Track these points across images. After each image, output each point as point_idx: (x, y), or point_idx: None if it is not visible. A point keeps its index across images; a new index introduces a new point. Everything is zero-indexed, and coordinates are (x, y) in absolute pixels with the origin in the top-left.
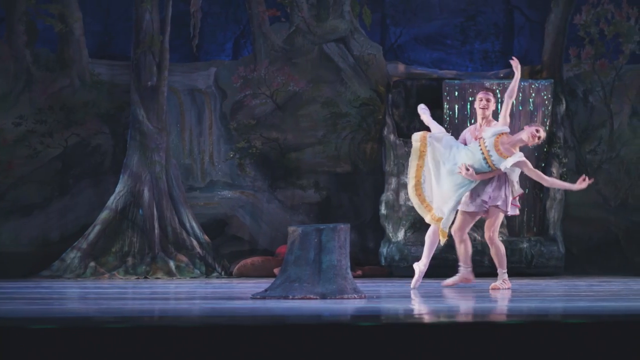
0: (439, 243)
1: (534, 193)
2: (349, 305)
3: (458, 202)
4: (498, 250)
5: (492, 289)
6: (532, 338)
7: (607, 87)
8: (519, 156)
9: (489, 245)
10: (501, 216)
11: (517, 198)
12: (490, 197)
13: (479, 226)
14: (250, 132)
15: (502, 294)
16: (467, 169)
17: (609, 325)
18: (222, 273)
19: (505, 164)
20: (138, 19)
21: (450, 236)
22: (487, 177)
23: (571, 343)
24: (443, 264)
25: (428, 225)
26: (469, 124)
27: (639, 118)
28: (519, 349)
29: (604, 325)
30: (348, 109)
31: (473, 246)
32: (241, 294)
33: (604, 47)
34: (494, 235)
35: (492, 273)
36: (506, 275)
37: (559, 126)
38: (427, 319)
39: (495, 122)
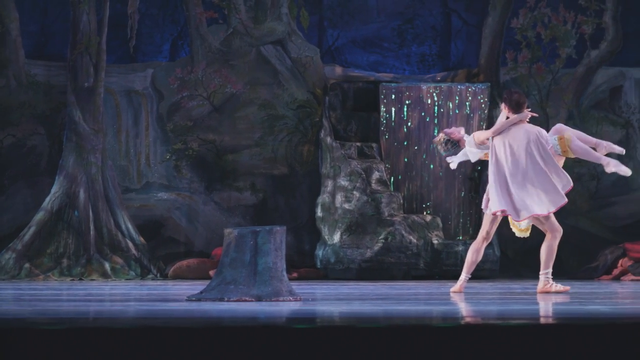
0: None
1: (469, 196)
2: (285, 307)
3: None
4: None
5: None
6: (467, 340)
7: (544, 91)
8: None
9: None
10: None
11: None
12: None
13: (414, 229)
14: (187, 134)
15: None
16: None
17: (543, 327)
18: (158, 275)
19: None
20: (75, 20)
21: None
22: None
23: (505, 345)
24: (378, 266)
25: (361, 228)
26: (405, 128)
27: (575, 122)
28: (453, 352)
29: (537, 328)
30: (285, 111)
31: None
32: (176, 296)
33: (541, 50)
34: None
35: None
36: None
37: None
38: (361, 322)
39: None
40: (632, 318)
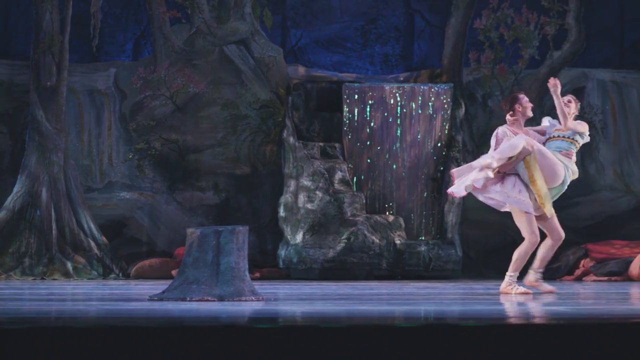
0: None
1: (432, 197)
2: (247, 307)
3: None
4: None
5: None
6: (428, 340)
7: (506, 92)
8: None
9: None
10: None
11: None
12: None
13: (377, 229)
14: (150, 134)
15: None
16: None
17: (504, 328)
18: (120, 274)
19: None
20: (38, 19)
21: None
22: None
23: (467, 346)
24: (340, 266)
25: (323, 228)
26: (368, 128)
27: (537, 123)
28: (415, 352)
29: (500, 328)
30: (248, 111)
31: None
32: (139, 295)
33: (504, 51)
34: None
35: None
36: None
37: (458, 130)
38: (323, 322)
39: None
40: (593, 318)
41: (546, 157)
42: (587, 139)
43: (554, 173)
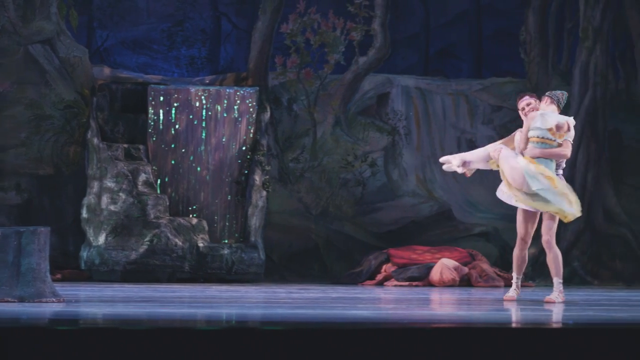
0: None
1: (236, 200)
2: (47, 308)
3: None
4: (556, 257)
5: (547, 302)
6: (232, 344)
7: (312, 96)
8: None
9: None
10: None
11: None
12: None
13: (180, 232)
14: None
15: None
16: None
17: (307, 332)
18: None
19: None
20: None
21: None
22: None
23: (270, 350)
24: (143, 268)
25: (126, 230)
26: (173, 129)
27: (342, 127)
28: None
29: (302, 332)
30: (52, 111)
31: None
32: None
33: (310, 56)
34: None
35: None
36: (562, 286)
37: (263, 134)
38: (124, 324)
39: None
40: (394, 323)
41: (504, 163)
42: (537, 132)
43: (512, 179)
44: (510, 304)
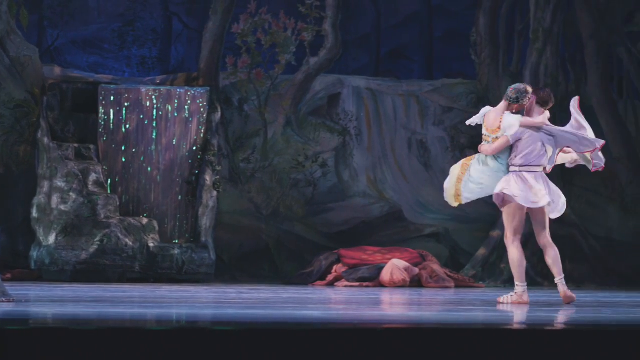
0: None
1: (187, 200)
2: None
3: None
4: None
5: (567, 300)
6: (182, 344)
7: (263, 97)
8: None
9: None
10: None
11: None
12: None
13: (130, 232)
14: None
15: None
16: None
17: (258, 332)
18: None
19: None
20: None
21: None
22: None
23: (220, 350)
24: (93, 268)
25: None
26: (124, 129)
27: (293, 128)
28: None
29: (253, 332)
30: (2, 111)
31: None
32: None
33: (261, 56)
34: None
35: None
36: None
37: (214, 134)
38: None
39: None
40: (344, 323)
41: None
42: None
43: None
44: (503, 306)
